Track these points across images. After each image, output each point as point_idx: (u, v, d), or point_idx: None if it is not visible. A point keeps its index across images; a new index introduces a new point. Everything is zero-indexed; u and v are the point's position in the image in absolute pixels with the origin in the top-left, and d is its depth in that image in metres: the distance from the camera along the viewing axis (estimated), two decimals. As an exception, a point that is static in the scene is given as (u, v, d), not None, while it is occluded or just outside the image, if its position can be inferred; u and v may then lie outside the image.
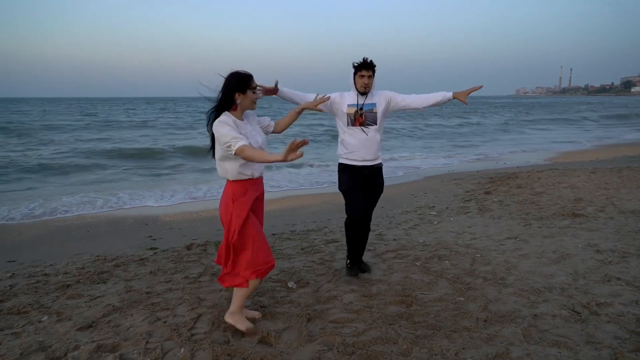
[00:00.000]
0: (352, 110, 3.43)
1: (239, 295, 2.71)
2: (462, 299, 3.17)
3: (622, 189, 6.95)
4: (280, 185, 9.54)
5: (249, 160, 2.47)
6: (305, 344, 2.58)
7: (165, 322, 2.89)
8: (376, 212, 4.59)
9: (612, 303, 2.98)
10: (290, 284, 3.51)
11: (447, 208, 6.47)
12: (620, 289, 3.24)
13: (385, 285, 3.46)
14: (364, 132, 3.44)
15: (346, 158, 3.53)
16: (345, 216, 3.58)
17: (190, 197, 8.46)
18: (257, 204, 2.77)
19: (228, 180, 2.66)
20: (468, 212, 6.11)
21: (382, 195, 3.68)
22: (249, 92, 2.61)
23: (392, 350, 2.46)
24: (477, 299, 3.16)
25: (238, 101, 2.59)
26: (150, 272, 3.98)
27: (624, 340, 2.51)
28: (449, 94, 3.44)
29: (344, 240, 4.80)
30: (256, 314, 2.93)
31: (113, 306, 3.16)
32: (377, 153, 3.53)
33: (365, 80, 3.36)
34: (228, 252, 2.63)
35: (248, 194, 2.65)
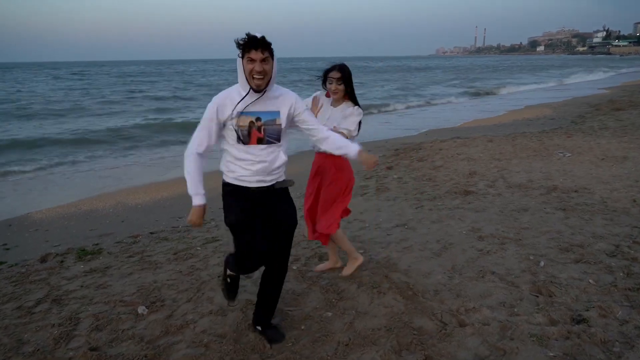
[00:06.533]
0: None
1: None
2: (330, 314, 2.89)
3: (514, 160, 7.14)
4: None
5: None
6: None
7: (-42, 386, 2.32)
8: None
9: (480, 308, 2.84)
10: (141, 309, 3.03)
11: (345, 189, 6.23)
12: (492, 286, 3.14)
13: (251, 304, 3.08)
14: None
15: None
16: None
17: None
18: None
19: None
20: (366, 193, 5.92)
21: None
22: None
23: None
24: (346, 312, 2.90)
25: None
26: (-24, 302, 3.30)
27: (483, 359, 2.36)
28: (355, 152, 2.53)
29: (226, 237, 4.36)
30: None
31: None
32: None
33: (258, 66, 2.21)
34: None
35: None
